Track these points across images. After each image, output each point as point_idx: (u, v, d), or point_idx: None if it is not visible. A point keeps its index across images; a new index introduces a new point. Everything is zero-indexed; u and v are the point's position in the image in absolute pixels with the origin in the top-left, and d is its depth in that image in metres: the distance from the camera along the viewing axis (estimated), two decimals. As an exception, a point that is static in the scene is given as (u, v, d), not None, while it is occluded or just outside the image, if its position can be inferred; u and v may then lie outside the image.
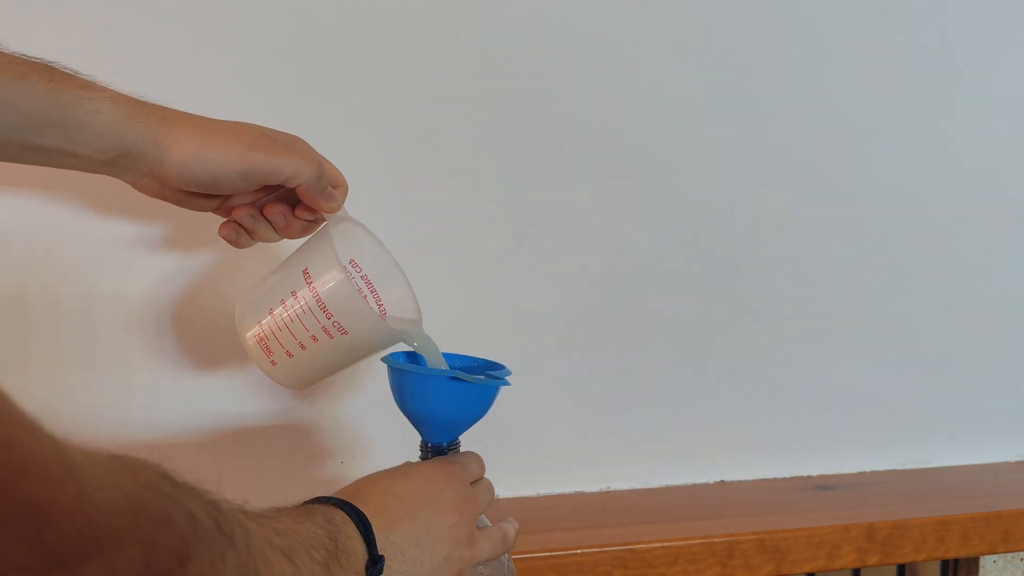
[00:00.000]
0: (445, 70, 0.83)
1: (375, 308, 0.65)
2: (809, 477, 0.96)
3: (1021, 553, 1.02)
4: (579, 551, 0.75)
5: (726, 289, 0.92)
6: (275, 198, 0.63)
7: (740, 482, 0.94)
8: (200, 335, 0.79)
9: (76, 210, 0.76)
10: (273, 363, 0.62)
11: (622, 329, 0.88)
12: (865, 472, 0.98)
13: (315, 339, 0.60)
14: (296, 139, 0.63)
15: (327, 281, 0.60)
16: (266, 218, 0.63)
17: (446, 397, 0.60)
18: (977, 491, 0.93)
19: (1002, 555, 1.01)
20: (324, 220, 0.64)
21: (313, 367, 0.63)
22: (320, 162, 0.62)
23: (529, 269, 0.86)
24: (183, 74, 0.76)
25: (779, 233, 0.94)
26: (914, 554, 0.83)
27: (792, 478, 0.96)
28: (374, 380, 0.83)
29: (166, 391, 0.79)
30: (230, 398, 0.81)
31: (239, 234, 0.64)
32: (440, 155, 0.84)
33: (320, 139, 0.66)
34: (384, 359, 0.62)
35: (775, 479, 0.96)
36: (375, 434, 0.84)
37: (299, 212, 0.64)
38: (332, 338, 0.60)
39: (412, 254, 0.79)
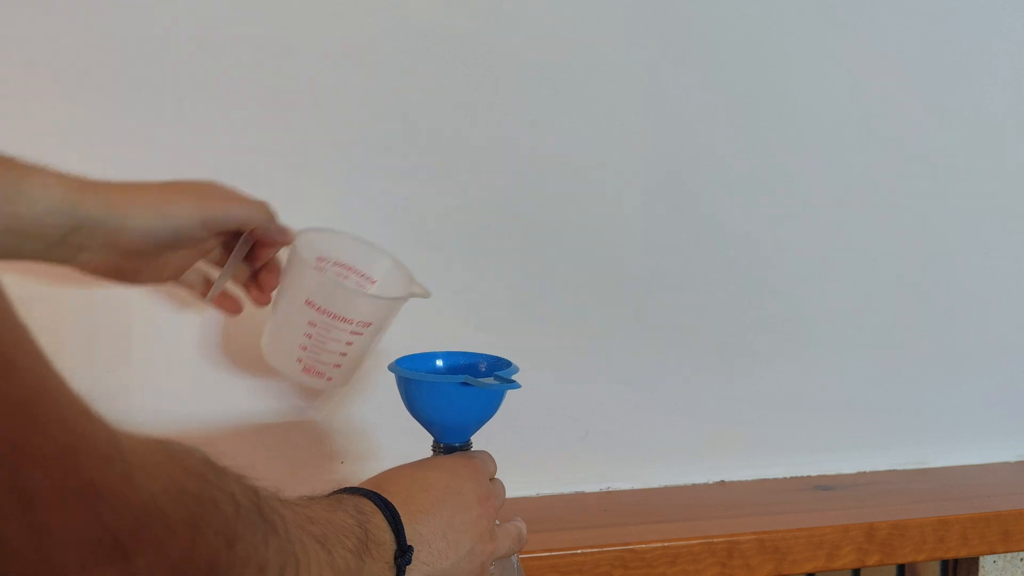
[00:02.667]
0: (444, 70, 0.83)
1: (388, 294, 0.69)
2: (809, 477, 0.96)
3: (1021, 553, 1.02)
4: (579, 551, 0.75)
5: (726, 289, 0.92)
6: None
7: (740, 482, 0.94)
8: (200, 335, 0.79)
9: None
10: (329, 379, 0.67)
11: (623, 329, 0.88)
12: (865, 472, 0.98)
13: (350, 344, 0.65)
14: (223, 187, 0.65)
15: (337, 301, 0.64)
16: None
17: (456, 402, 0.61)
18: (977, 491, 0.93)
19: (1002, 555, 1.01)
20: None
21: (357, 361, 0.68)
22: (266, 204, 0.64)
23: (529, 269, 0.87)
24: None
25: (779, 233, 0.94)
26: (914, 554, 0.83)
27: (792, 478, 0.96)
28: (381, 382, 0.83)
29: (166, 391, 0.80)
30: (230, 398, 0.81)
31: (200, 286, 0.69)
32: (441, 155, 0.84)
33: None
34: (391, 367, 0.63)
35: (775, 479, 0.96)
36: (381, 435, 0.84)
37: (259, 253, 0.67)
38: (362, 335, 0.66)
39: (415, 253, 0.79)
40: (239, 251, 0.65)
